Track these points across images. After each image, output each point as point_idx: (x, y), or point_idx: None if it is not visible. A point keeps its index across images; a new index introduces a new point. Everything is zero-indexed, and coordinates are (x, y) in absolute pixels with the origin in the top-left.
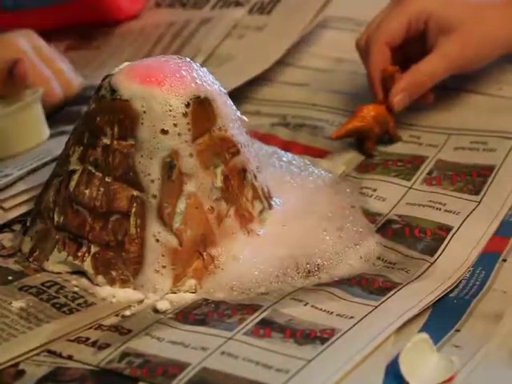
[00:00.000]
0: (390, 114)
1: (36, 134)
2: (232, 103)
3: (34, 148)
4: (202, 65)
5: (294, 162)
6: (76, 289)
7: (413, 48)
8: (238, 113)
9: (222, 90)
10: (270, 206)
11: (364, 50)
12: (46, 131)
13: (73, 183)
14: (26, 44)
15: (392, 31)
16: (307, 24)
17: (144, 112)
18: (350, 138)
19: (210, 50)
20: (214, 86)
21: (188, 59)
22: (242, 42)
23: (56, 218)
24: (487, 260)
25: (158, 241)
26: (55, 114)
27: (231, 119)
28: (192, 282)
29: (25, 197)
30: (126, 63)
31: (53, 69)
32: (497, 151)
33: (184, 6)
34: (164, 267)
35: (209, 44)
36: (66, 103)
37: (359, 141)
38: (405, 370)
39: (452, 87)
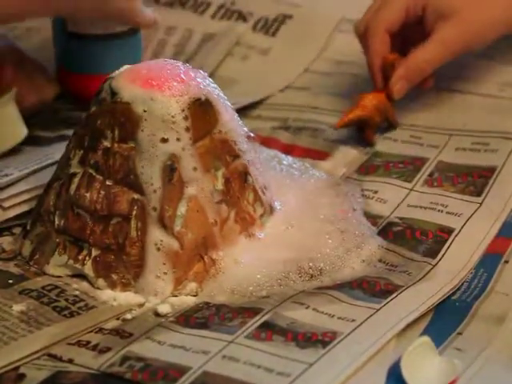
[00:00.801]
0: (390, 101)
1: (13, 133)
2: (239, 118)
3: (13, 147)
4: None
5: (295, 165)
6: (77, 292)
7: (411, 33)
8: (246, 128)
9: (229, 104)
10: (272, 209)
11: (363, 36)
12: (24, 130)
13: (73, 186)
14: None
15: (391, 18)
16: (312, 58)
17: (145, 119)
18: (350, 128)
19: (212, 67)
20: (219, 95)
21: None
22: (245, 66)
23: (56, 222)
24: (489, 261)
25: (158, 244)
26: (31, 119)
27: (239, 134)
28: (193, 285)
29: (25, 196)
30: (126, 66)
31: (25, 73)
32: (498, 152)
33: (183, 5)
34: (165, 271)
35: (211, 61)
36: (41, 109)
37: (359, 129)
38: (406, 373)
39: (453, 88)
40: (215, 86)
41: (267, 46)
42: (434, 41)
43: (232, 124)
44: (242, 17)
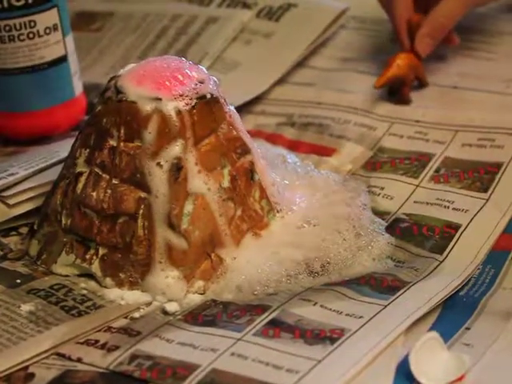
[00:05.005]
0: (419, 60)
1: None
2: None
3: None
4: (208, 69)
5: (298, 163)
6: (84, 291)
7: None
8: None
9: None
10: (280, 207)
11: (387, 2)
12: None
13: (80, 186)
14: None
15: None
16: (315, 39)
17: (150, 117)
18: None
19: (216, 54)
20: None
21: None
22: (249, 49)
23: (63, 221)
24: (496, 258)
25: (165, 243)
26: None
27: (245, 131)
28: (200, 283)
29: (30, 194)
30: (132, 65)
31: None
32: (504, 148)
33: (190, 0)
34: (172, 270)
35: (216, 48)
36: None
37: (394, 89)
38: (415, 368)
39: (459, 86)
40: (218, 85)
41: (270, 30)
42: None
43: (237, 121)
44: (246, 6)
